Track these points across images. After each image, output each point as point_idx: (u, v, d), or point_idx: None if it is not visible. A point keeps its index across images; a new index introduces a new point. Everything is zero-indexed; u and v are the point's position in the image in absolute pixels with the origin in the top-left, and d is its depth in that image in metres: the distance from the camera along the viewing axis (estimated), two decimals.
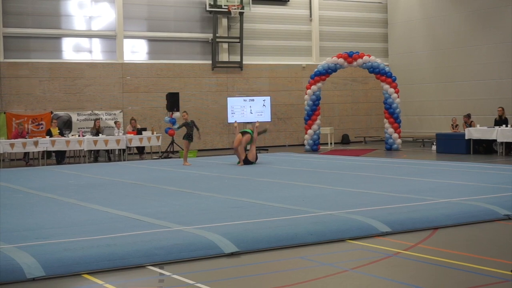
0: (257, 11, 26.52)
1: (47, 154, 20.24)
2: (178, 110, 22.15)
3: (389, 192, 10.69)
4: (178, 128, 19.12)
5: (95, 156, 21.34)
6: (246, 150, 17.50)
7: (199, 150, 23.65)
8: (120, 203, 10.24)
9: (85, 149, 20.26)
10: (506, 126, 19.66)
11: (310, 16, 27.76)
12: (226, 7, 25.35)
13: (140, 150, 21.94)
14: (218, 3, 25.33)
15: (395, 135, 22.85)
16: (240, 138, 17.16)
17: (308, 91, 23.31)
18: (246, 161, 17.15)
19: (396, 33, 28.66)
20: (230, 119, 23.23)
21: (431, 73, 26.95)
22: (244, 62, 26.19)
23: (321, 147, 23.98)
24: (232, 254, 6.77)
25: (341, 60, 22.88)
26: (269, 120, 24.63)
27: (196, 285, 5.71)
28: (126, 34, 24.46)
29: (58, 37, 23.70)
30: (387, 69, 23.16)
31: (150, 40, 25.13)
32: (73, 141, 19.98)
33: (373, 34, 29.08)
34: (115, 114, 23.76)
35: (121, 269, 6.28)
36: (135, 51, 24.94)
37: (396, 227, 7.83)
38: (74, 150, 20.92)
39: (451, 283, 5.66)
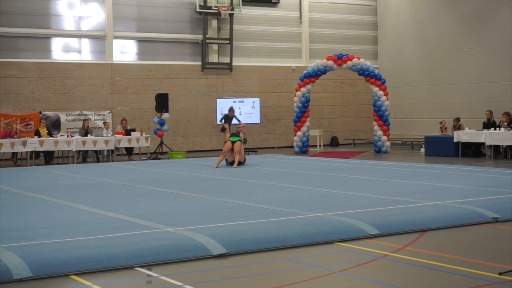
0: (247, 12, 26.52)
1: (36, 154, 20.12)
2: (167, 111, 22.11)
3: (377, 194, 10.70)
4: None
5: (83, 156, 21.25)
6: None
7: (188, 151, 23.63)
8: (108, 204, 10.21)
9: (74, 150, 20.18)
10: (495, 129, 19.76)
11: (300, 18, 27.79)
12: (216, 8, 25.34)
13: (129, 151, 21.88)
14: (208, 4, 25.31)
15: (384, 137, 22.89)
16: (230, 146, 17.13)
17: (298, 93, 23.31)
18: (233, 163, 17.10)
19: (386, 35, 28.74)
20: (219, 121, 23.23)
21: (421, 75, 27.02)
22: (233, 64, 26.17)
23: (310, 149, 23.99)
24: (220, 256, 6.76)
25: (330, 62, 22.90)
26: (259, 121, 24.67)
27: (184, 287, 5.70)
28: (116, 34, 24.39)
29: (47, 37, 23.59)
30: (376, 71, 23.20)
31: (140, 40, 25.07)
32: (61, 142, 19.90)
33: (363, 36, 29.14)
34: (104, 115, 23.67)
35: (109, 270, 6.26)
36: (125, 51, 24.87)
37: (384, 230, 7.85)
38: (62, 151, 20.82)
39: (438, 286, 5.68)
